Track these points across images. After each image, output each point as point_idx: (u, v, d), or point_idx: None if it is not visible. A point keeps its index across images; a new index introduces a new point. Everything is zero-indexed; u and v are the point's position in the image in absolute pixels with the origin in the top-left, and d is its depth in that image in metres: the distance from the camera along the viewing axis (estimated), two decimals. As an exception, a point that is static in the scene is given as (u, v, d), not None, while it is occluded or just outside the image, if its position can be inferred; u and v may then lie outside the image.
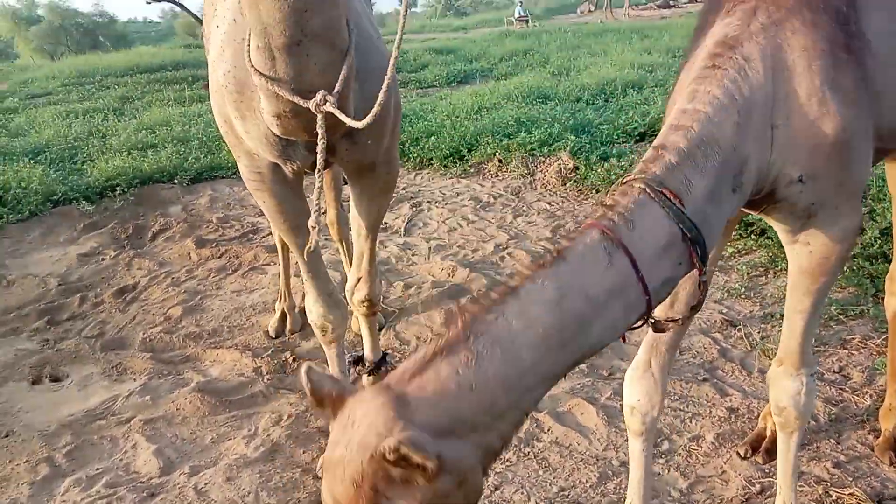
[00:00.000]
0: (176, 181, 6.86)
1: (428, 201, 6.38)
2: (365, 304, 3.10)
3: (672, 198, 1.52)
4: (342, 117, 2.00)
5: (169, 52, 21.69)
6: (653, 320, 1.65)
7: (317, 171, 2.21)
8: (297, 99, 2.02)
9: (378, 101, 2.01)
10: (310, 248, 2.35)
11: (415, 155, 7.58)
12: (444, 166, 7.37)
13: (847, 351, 3.42)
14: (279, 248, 4.16)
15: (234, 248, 5.39)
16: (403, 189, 6.74)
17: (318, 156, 2.15)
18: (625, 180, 1.59)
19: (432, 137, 7.87)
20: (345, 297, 3.13)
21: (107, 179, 6.68)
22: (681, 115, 1.69)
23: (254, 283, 4.81)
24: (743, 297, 4.01)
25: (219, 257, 5.29)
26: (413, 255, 5.12)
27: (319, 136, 2.09)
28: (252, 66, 2.04)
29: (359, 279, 3.07)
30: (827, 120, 1.73)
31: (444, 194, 6.59)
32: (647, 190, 1.53)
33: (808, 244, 1.93)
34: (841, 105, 1.74)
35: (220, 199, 6.69)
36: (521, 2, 35.82)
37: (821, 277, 1.98)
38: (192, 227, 5.91)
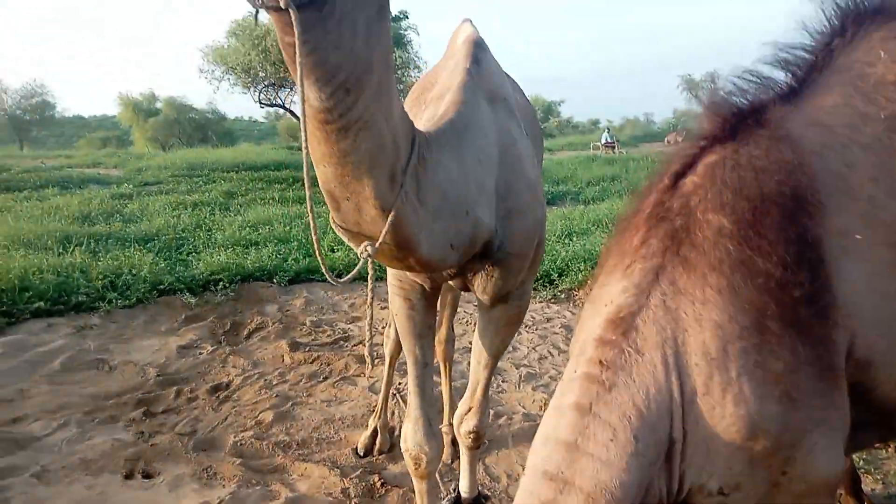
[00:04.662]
0: (275, 281, 7.09)
1: (518, 324, 6.34)
2: (472, 435, 3.03)
3: None
4: (370, 269, 2.11)
5: (272, 151, 23.09)
6: None
7: (368, 306, 2.23)
8: (352, 244, 2.15)
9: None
10: (366, 373, 2.44)
11: (505, 275, 7.61)
12: (534, 289, 7.35)
13: None
14: (387, 360, 4.17)
15: (326, 355, 5.44)
16: (493, 309, 6.73)
17: (369, 294, 2.21)
18: None
19: (523, 259, 7.92)
20: (448, 427, 3.08)
21: (210, 273, 6.96)
22: (564, 462, 1.35)
23: (344, 394, 4.81)
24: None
25: (311, 362, 5.34)
26: (503, 382, 5.04)
27: (369, 277, 2.17)
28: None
29: (469, 408, 3.01)
30: (744, 421, 1.36)
31: (533, 318, 6.54)
32: None
33: None
34: (765, 400, 1.37)
35: (315, 301, 6.84)
36: (608, 128, 36.69)
37: None
38: (286, 329, 6.04)
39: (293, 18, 1.51)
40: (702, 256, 1.44)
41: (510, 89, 2.92)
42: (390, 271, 2.65)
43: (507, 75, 3.29)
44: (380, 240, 2.04)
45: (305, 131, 1.76)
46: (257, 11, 1.57)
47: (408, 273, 2.55)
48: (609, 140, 33.38)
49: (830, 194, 1.51)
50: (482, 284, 2.57)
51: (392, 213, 1.98)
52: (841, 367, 1.47)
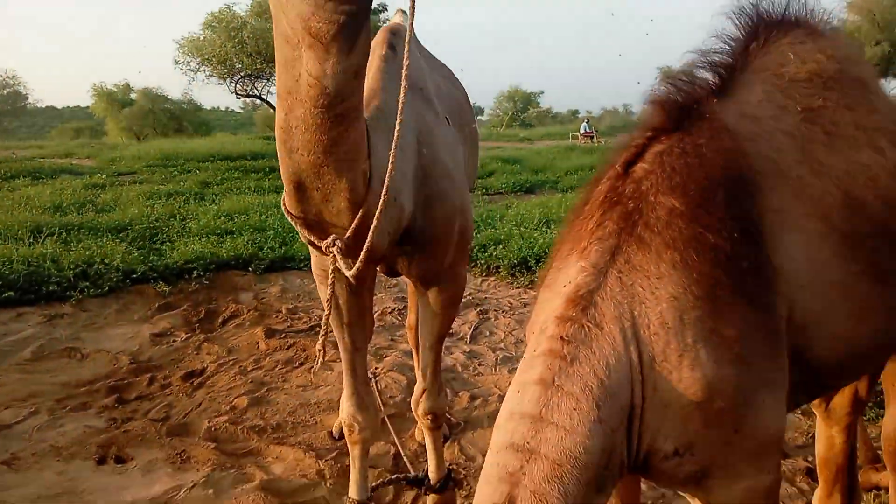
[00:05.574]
0: (250, 269, 7.03)
1: (494, 309, 6.36)
2: (429, 416, 3.07)
3: None
4: (340, 264, 2.12)
5: (249, 141, 22.83)
6: None
7: (326, 301, 2.29)
8: (311, 237, 2.17)
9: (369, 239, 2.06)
10: (314, 368, 2.48)
11: (482, 262, 7.65)
12: (511, 275, 7.39)
13: None
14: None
15: (302, 341, 5.43)
16: (470, 295, 6.75)
17: (328, 288, 2.26)
18: None
19: (500, 246, 7.96)
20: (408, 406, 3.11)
21: (185, 262, 6.87)
22: (529, 433, 1.40)
23: (319, 380, 4.79)
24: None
25: (286, 349, 5.32)
26: (479, 365, 5.06)
27: (330, 272, 2.18)
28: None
29: (423, 391, 3.05)
30: (701, 384, 1.45)
31: (510, 304, 6.57)
32: None
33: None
34: (720, 364, 1.46)
35: (291, 290, 6.81)
36: (587, 118, 36.83)
37: None
38: (262, 316, 6.00)
39: None
40: (656, 235, 1.54)
41: (429, 78, 2.98)
42: (314, 260, 2.68)
43: (442, 65, 3.33)
44: (348, 233, 2.06)
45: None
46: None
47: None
48: (588, 130, 33.47)
49: (765, 176, 1.69)
50: (406, 269, 2.63)
51: (363, 207, 2.03)
52: (782, 330, 1.59)
